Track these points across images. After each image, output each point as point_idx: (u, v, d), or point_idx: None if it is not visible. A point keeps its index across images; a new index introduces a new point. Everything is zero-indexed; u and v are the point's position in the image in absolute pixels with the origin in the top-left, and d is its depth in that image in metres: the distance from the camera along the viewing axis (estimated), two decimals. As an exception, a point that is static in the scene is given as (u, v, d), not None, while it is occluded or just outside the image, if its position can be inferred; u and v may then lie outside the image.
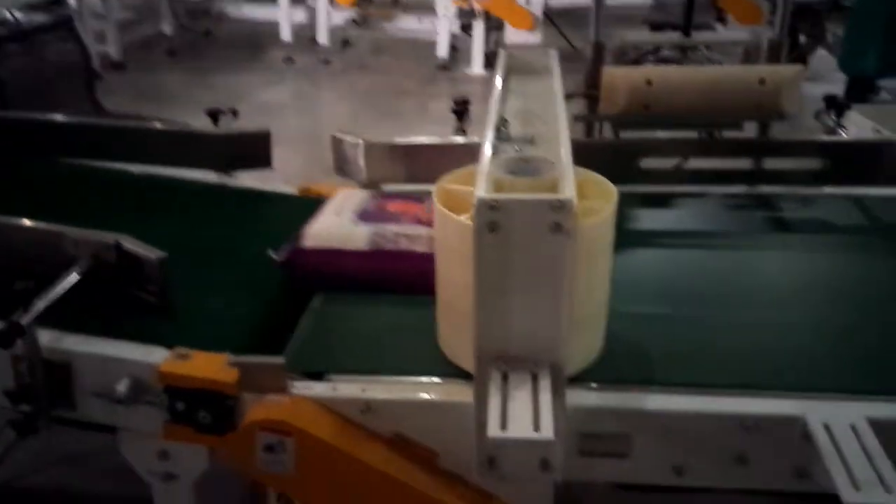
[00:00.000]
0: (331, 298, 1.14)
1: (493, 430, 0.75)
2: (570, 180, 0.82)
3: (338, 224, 1.19)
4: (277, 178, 1.61)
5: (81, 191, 1.47)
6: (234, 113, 1.62)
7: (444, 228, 0.92)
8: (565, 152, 0.91)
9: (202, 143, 1.48)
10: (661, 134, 1.42)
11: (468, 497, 0.94)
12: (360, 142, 1.37)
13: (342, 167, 1.41)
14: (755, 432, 0.88)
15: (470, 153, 1.37)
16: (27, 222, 1.11)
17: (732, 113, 1.32)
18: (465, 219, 0.87)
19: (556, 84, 1.25)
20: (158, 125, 1.50)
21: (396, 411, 0.93)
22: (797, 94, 1.33)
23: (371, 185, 1.40)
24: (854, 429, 0.84)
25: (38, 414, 0.99)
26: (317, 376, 0.98)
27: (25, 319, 0.94)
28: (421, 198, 1.27)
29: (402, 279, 1.12)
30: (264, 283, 1.21)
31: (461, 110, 1.52)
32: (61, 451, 1.62)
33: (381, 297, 1.13)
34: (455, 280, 0.93)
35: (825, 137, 1.48)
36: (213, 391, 0.95)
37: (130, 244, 1.08)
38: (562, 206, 0.77)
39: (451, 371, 0.96)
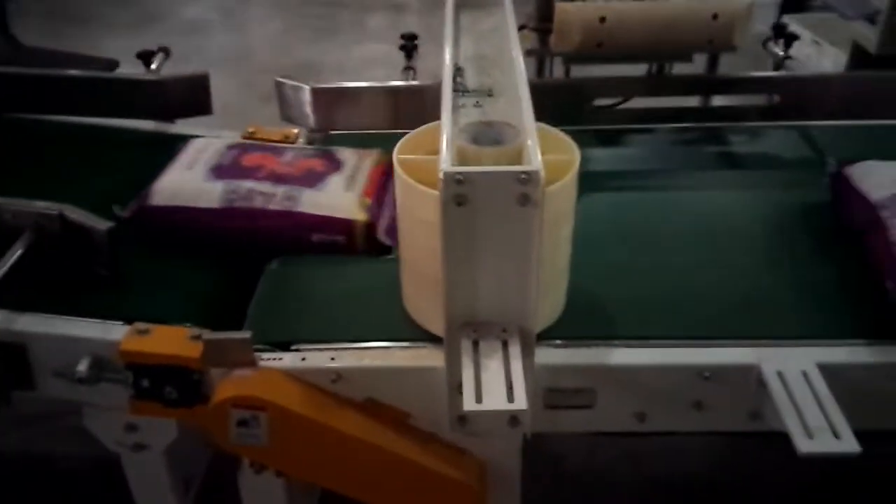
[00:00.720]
0: (287, 261, 1.12)
1: (469, 403, 0.77)
2: (535, 149, 0.81)
3: (189, 179, 1.15)
4: (217, 121, 1.55)
5: (16, 148, 1.38)
6: (167, 52, 1.52)
7: (409, 197, 0.90)
8: (527, 112, 0.89)
9: (137, 90, 1.39)
10: (613, 70, 1.41)
11: (441, 454, 0.97)
12: (307, 87, 1.32)
13: (288, 113, 1.36)
14: (712, 381, 0.93)
15: (419, 97, 1.35)
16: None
17: (685, 49, 1.31)
18: (429, 189, 0.85)
19: (511, 24, 1.21)
20: (90, 74, 1.39)
21: (367, 379, 0.94)
22: (748, 28, 1.33)
23: (319, 131, 1.36)
24: (805, 375, 0.89)
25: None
26: (283, 345, 0.97)
27: (-25, 309, 0.90)
28: (279, 149, 1.24)
29: (256, 239, 1.11)
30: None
31: (410, 46, 1.47)
32: (26, 412, 1.59)
33: (339, 259, 1.12)
34: (420, 245, 0.92)
35: (774, 74, 1.49)
36: (177, 367, 0.94)
37: (75, 214, 1.03)
38: (529, 179, 0.76)
39: (418, 334, 0.97)
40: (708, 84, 1.45)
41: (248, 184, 1.13)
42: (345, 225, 1.10)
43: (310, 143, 1.47)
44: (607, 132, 1.43)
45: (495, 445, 0.99)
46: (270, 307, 1.04)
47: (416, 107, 1.32)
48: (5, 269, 0.97)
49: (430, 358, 0.94)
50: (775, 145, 1.41)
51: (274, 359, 0.95)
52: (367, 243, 1.11)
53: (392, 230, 1.11)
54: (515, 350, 0.84)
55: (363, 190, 1.15)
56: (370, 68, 3.62)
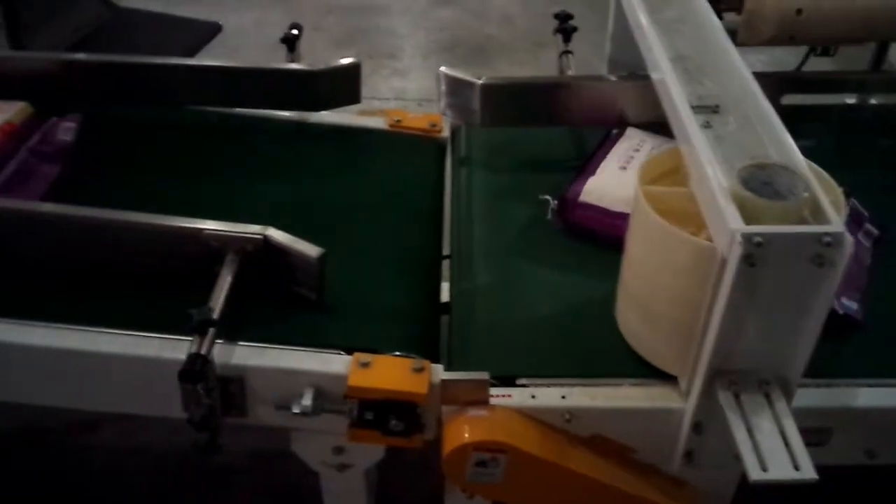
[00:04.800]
0: (480, 277, 1.08)
1: (755, 473, 0.75)
2: (827, 203, 0.76)
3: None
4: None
5: (167, 142, 1.33)
6: (299, 29, 1.44)
7: (657, 237, 0.86)
8: (794, 149, 0.84)
9: (288, 81, 1.32)
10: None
11: (663, 487, 0.96)
12: (477, 82, 1.25)
13: (452, 106, 1.29)
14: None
15: (598, 92, 1.28)
16: (163, 218, 1.00)
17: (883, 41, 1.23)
18: (699, 239, 0.81)
19: (711, 15, 1.12)
20: (242, 65, 1.32)
21: (599, 417, 0.92)
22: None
23: (484, 126, 1.30)
24: None
25: (216, 433, 0.95)
26: (504, 379, 0.95)
27: (205, 348, 0.88)
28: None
29: None
30: (414, 252, 1.14)
31: (569, 28, 1.38)
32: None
33: (534, 272, 1.09)
34: (662, 286, 0.88)
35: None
36: (404, 402, 0.93)
37: (280, 237, 1.00)
38: (832, 241, 0.72)
39: (645, 370, 0.95)
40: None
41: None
42: None
43: (453, 132, 1.42)
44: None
45: (717, 476, 0.98)
46: (480, 335, 1.01)
47: (591, 102, 1.26)
48: (221, 301, 0.94)
49: (665, 398, 0.92)
50: None
51: (503, 395, 0.93)
52: None
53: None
54: (782, 406, 0.81)
55: None
56: (438, 8, 3.48)
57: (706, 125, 0.91)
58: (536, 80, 1.28)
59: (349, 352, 0.97)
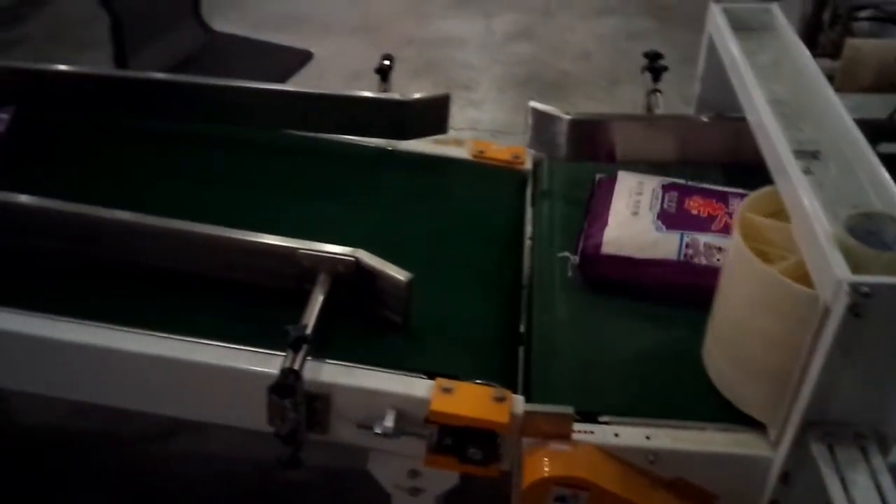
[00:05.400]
0: (561, 310, 1.09)
1: (851, 529, 0.73)
2: (938, 256, 0.74)
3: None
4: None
5: (260, 164, 1.38)
6: (391, 60, 1.48)
7: (755, 280, 0.85)
8: (893, 193, 0.82)
9: (380, 110, 1.37)
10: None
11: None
12: (565, 117, 1.26)
13: (539, 140, 1.31)
14: None
15: (687, 132, 1.28)
16: (259, 236, 1.04)
17: None
18: (801, 286, 0.80)
19: (808, 58, 1.11)
20: (334, 92, 1.37)
21: (683, 460, 0.91)
22: None
23: (570, 160, 1.31)
24: None
25: (300, 447, 0.97)
26: (587, 414, 0.95)
27: (298, 364, 0.91)
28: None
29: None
30: (495, 282, 1.16)
31: (658, 67, 1.39)
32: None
33: (617, 308, 1.08)
34: (753, 329, 0.87)
35: None
36: (485, 430, 0.93)
37: (371, 260, 1.02)
38: (943, 296, 0.70)
39: (732, 415, 0.93)
40: None
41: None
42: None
43: (535, 164, 1.44)
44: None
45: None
46: (561, 369, 1.01)
47: (680, 139, 1.26)
48: (313, 319, 0.97)
49: (752, 445, 0.90)
50: None
51: (585, 431, 0.92)
52: None
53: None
54: (879, 462, 0.79)
55: None
56: (515, 42, 3.53)
57: (807, 171, 0.90)
58: (625, 116, 1.29)
59: (431, 376, 0.98)
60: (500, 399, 0.94)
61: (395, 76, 1.45)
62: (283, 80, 1.89)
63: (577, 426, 0.92)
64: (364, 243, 1.04)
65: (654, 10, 3.84)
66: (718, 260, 1.04)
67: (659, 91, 1.39)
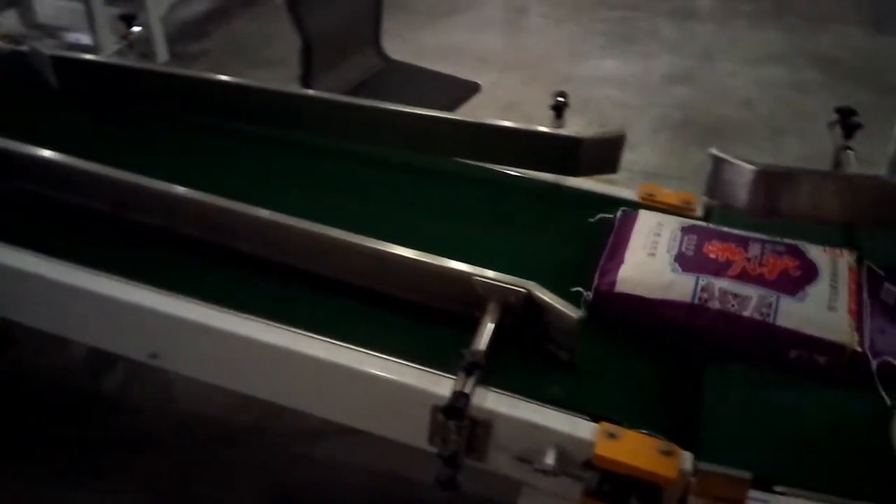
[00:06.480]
0: (735, 373, 1.04)
1: None
2: None
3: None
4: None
5: (428, 188, 1.43)
6: (565, 97, 1.50)
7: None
8: None
9: (552, 144, 1.38)
10: None
11: None
12: (750, 167, 1.22)
13: (719, 190, 1.27)
14: None
15: (881, 193, 1.20)
16: (436, 259, 1.07)
17: None
18: None
19: None
20: (509, 125, 1.39)
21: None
22: None
23: (754, 214, 1.25)
24: None
25: (458, 470, 0.98)
26: (761, 480, 0.90)
27: (469, 388, 0.92)
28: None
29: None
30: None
31: (852, 123, 1.31)
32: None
33: (799, 379, 1.02)
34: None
35: None
36: (650, 483, 0.90)
37: (543, 295, 1.02)
38: None
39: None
40: None
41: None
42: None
43: (707, 212, 1.39)
44: None
45: None
46: (735, 429, 0.96)
47: (870, 202, 1.18)
48: (484, 345, 0.98)
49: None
50: None
51: (760, 500, 0.88)
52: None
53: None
54: None
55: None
56: (673, 85, 3.47)
57: None
58: (815, 172, 1.22)
59: (595, 418, 0.96)
60: (668, 452, 0.91)
61: (544, 112, 1.46)
62: (450, 108, 1.95)
63: (752, 493, 0.87)
64: (532, 276, 1.05)
65: (821, 61, 3.67)
66: (733, 306, 1.04)
67: (851, 148, 1.32)
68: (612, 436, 0.93)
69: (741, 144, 2.98)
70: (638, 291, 1.08)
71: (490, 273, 1.05)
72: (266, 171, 1.44)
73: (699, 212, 1.40)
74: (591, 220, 1.32)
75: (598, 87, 3.41)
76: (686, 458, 0.91)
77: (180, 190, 1.19)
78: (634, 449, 0.92)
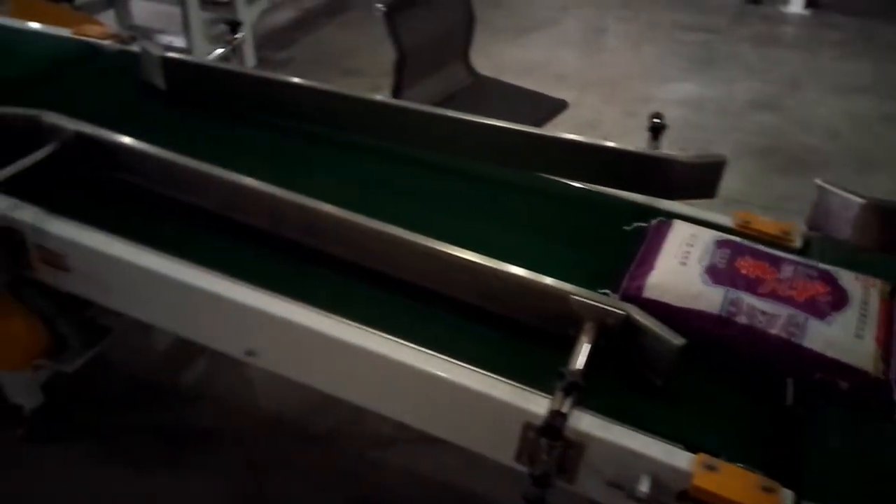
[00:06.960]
0: (838, 414, 1.01)
1: None
2: None
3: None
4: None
5: (512, 202, 1.43)
6: (661, 118, 1.48)
7: None
8: None
9: (647, 166, 1.36)
10: None
11: None
12: (858, 200, 1.18)
13: (823, 221, 1.23)
14: None
15: None
16: (535, 276, 1.07)
17: None
18: None
19: None
20: (600, 142, 1.38)
21: None
22: None
23: (860, 248, 1.22)
24: None
25: (547, 490, 0.97)
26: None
27: (566, 408, 0.91)
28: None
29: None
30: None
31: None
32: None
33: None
34: None
35: None
36: (749, 519, 0.88)
37: (642, 318, 1.01)
38: None
39: None
40: None
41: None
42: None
43: (806, 243, 1.35)
44: None
45: None
46: (839, 470, 0.93)
47: None
48: (581, 365, 0.97)
49: None
50: None
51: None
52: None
53: None
54: None
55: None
56: (756, 111, 3.40)
57: None
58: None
59: (690, 448, 0.94)
60: (769, 490, 0.89)
61: (626, 132, 1.44)
62: (537, 125, 1.94)
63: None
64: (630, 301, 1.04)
65: (912, 92, 3.54)
66: (761, 322, 1.03)
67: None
68: (711, 468, 0.91)
69: (827, 177, 2.89)
70: (665, 299, 1.07)
71: (588, 293, 1.04)
72: (368, 181, 1.46)
73: (798, 243, 1.36)
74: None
75: (678, 109, 3.36)
76: (787, 496, 0.89)
77: (284, 193, 1.21)
78: (735, 483, 0.89)
